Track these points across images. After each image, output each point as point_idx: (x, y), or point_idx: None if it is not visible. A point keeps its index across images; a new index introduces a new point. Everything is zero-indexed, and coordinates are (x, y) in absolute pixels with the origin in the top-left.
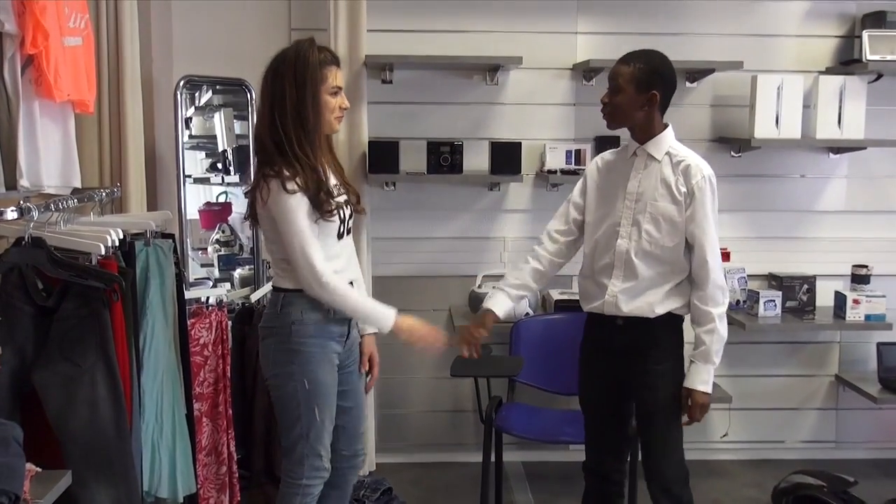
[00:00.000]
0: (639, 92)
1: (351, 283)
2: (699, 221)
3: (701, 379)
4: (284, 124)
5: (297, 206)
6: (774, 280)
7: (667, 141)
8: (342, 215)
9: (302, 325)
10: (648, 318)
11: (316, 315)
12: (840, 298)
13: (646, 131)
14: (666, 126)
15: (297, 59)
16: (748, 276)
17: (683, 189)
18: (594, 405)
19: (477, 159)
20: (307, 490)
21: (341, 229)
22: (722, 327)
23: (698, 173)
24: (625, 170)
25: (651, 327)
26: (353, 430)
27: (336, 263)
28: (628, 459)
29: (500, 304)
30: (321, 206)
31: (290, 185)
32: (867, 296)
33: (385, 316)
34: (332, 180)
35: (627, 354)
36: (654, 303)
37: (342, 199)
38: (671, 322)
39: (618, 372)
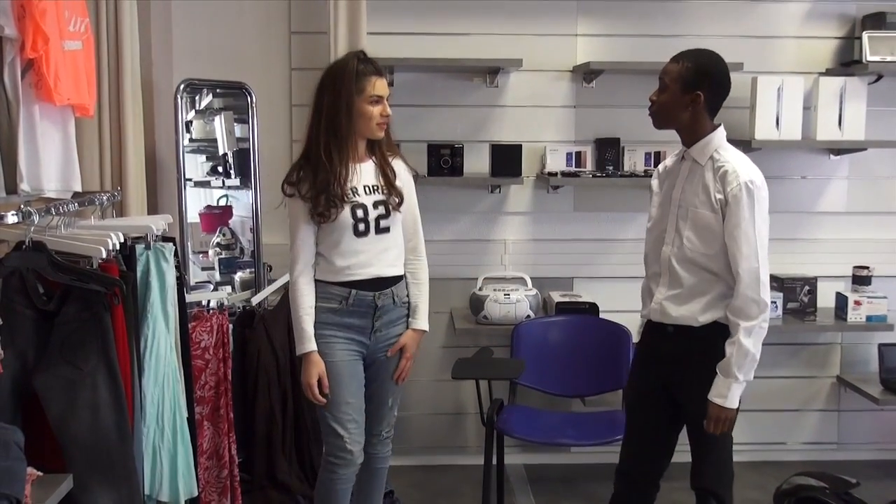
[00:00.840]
0: (683, 92)
1: (380, 278)
2: (731, 231)
3: (717, 392)
4: (318, 132)
5: (291, 206)
6: (775, 281)
7: (713, 145)
8: (360, 215)
9: (318, 313)
10: (693, 326)
11: (329, 305)
12: (841, 300)
13: (691, 134)
14: (715, 128)
15: (336, 70)
16: None
17: (720, 196)
18: (638, 408)
19: (477, 162)
20: (329, 466)
21: (360, 227)
22: (749, 342)
23: (734, 180)
24: (676, 174)
25: (697, 337)
26: (373, 412)
27: (353, 259)
28: (661, 474)
29: None
30: (316, 207)
31: (288, 190)
32: (868, 297)
33: (301, 342)
34: (366, 181)
35: (676, 362)
36: (697, 311)
37: (371, 199)
38: (719, 332)
39: (665, 379)
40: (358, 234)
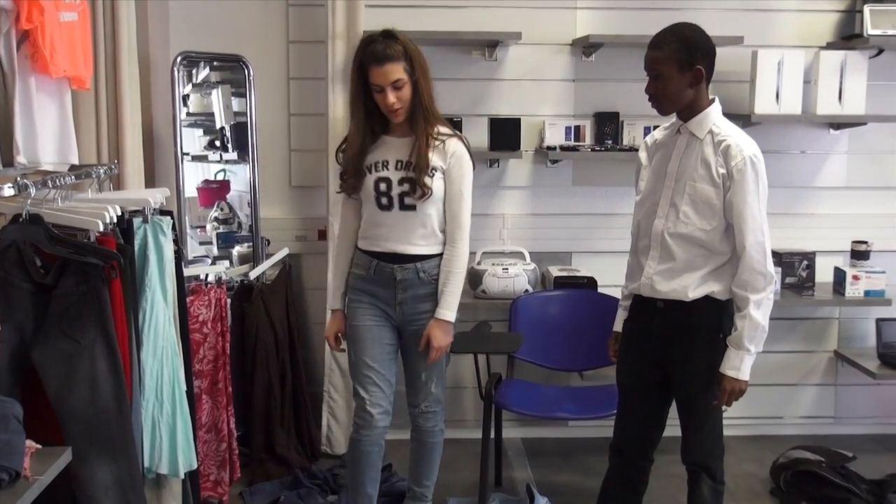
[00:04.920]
0: (682, 72)
1: (398, 254)
2: (737, 205)
3: (730, 364)
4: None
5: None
6: (774, 256)
7: (711, 118)
8: (382, 188)
9: (351, 278)
10: (685, 301)
11: (358, 271)
12: (840, 274)
13: (691, 108)
14: (712, 101)
15: (353, 56)
16: None
17: (723, 171)
18: (630, 385)
19: (476, 135)
20: (354, 426)
21: (383, 201)
22: (758, 314)
23: (738, 154)
24: (671, 148)
25: (689, 311)
26: (410, 383)
27: (375, 230)
28: (654, 447)
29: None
30: (345, 180)
31: (339, 157)
32: (867, 272)
33: (329, 298)
34: (399, 156)
35: (666, 338)
36: (689, 286)
37: (399, 174)
38: (710, 306)
39: (657, 355)
40: (381, 207)
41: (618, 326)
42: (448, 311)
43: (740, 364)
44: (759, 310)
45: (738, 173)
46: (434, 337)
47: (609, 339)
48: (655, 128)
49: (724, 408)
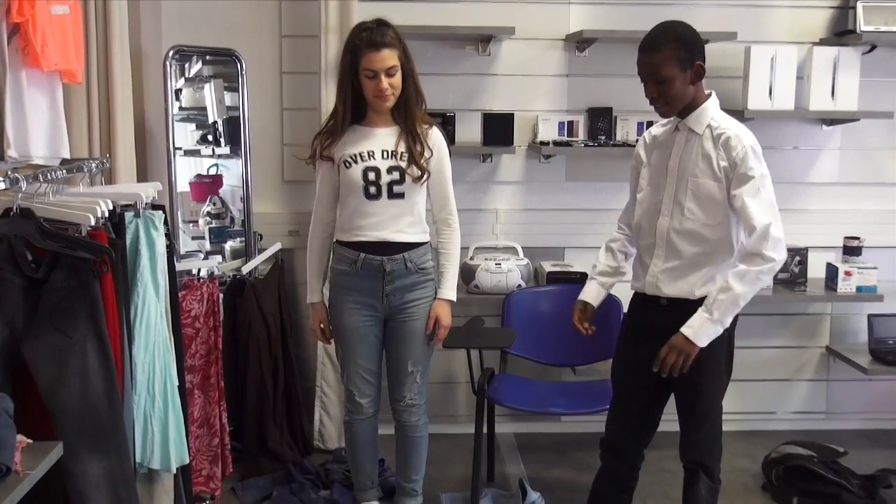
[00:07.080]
0: (685, 70)
1: (388, 242)
2: (744, 189)
3: (690, 323)
4: (338, 94)
5: (319, 167)
6: None
7: (709, 113)
8: (371, 178)
9: (333, 274)
10: (690, 299)
11: (341, 267)
12: (832, 270)
13: (690, 105)
14: (709, 96)
15: (345, 42)
16: None
17: (724, 164)
18: (626, 383)
19: (469, 130)
20: (347, 418)
21: (372, 190)
22: (737, 284)
23: (738, 144)
24: (669, 145)
25: (693, 309)
26: (393, 376)
27: (363, 220)
28: (646, 445)
29: (593, 293)
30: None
31: (314, 142)
32: (859, 267)
33: (308, 293)
34: (385, 146)
35: (669, 335)
36: (696, 284)
37: (386, 163)
38: None
39: (658, 352)
40: (369, 196)
41: (586, 296)
42: (452, 290)
43: (699, 326)
44: (739, 281)
45: (741, 161)
46: (442, 316)
47: (575, 307)
48: (649, 123)
49: (664, 374)
